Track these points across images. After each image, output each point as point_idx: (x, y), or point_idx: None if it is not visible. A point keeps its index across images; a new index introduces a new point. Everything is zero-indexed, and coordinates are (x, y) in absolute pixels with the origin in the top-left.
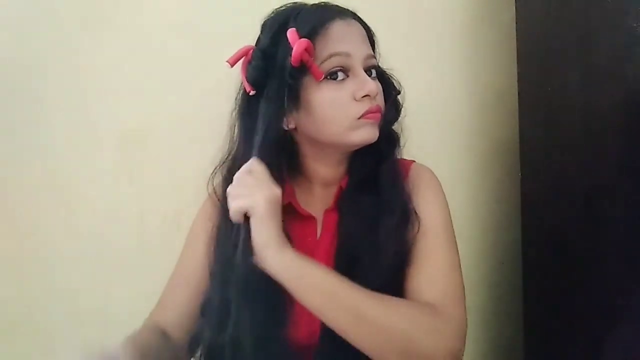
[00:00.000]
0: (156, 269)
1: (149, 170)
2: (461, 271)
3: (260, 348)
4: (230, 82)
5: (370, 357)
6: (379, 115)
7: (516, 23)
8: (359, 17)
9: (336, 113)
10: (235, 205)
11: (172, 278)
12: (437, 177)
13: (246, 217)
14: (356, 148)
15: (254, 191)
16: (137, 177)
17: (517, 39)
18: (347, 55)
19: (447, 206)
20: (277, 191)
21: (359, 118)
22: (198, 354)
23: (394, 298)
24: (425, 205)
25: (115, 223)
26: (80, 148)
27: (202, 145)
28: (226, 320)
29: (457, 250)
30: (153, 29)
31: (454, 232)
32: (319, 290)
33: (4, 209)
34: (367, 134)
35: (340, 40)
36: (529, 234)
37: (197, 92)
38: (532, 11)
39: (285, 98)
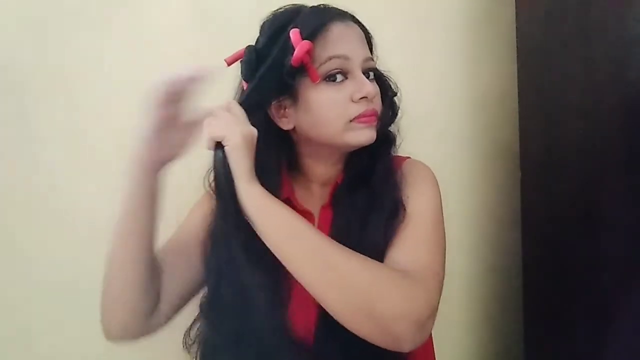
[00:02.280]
0: None
1: None
2: (444, 256)
3: (256, 344)
4: (230, 82)
5: (334, 316)
6: (374, 118)
7: (516, 23)
8: (357, 19)
9: (333, 114)
10: (211, 132)
11: (167, 242)
12: (430, 170)
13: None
14: (353, 149)
15: (231, 125)
16: None
17: (517, 39)
18: (346, 58)
19: (438, 198)
20: (253, 130)
21: (355, 120)
22: (194, 350)
23: (364, 256)
24: (414, 195)
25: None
26: (79, 148)
27: (202, 145)
28: (222, 317)
29: (444, 239)
30: (153, 29)
31: (442, 222)
32: (283, 228)
33: (1, 215)
34: (364, 135)
35: (339, 43)
36: (529, 234)
37: (198, 92)
38: (532, 11)
39: (273, 95)
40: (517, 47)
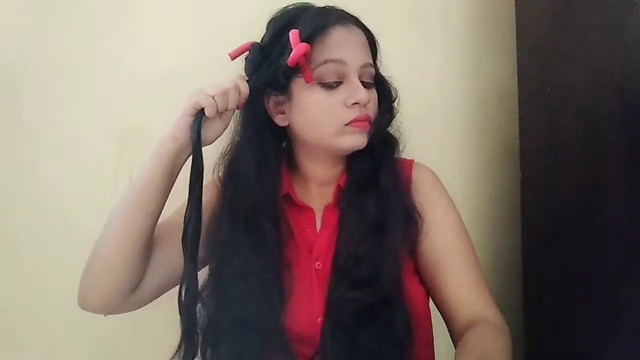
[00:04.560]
0: None
1: None
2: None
3: (255, 335)
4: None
5: None
6: (367, 124)
7: (516, 23)
8: (362, 23)
9: (325, 117)
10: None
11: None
12: (437, 176)
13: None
14: (344, 153)
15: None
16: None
17: (517, 39)
18: (342, 62)
19: (453, 202)
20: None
21: (346, 125)
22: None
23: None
24: (437, 208)
25: None
26: (79, 149)
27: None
28: (224, 301)
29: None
30: (153, 28)
31: (465, 227)
32: None
33: (1, 213)
34: (354, 140)
35: (337, 47)
36: (529, 234)
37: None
38: (532, 11)
39: (267, 88)
40: (517, 47)
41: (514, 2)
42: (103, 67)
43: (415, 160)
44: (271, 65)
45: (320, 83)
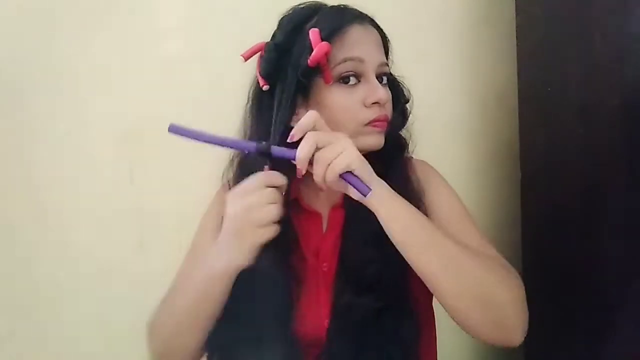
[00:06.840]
0: (156, 268)
1: (149, 170)
2: None
3: (266, 343)
4: (229, 81)
5: (448, 306)
6: (385, 124)
7: (516, 23)
8: (376, 23)
9: (344, 117)
10: (337, 169)
11: (184, 266)
12: (434, 168)
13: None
14: (361, 153)
15: (340, 144)
16: (137, 177)
17: (517, 39)
18: (361, 60)
19: (456, 192)
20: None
21: (365, 124)
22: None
23: (473, 248)
24: (440, 197)
25: (115, 223)
26: (79, 149)
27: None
28: (231, 323)
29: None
30: (153, 28)
31: (470, 216)
32: (409, 222)
33: (1, 214)
34: (373, 140)
35: (355, 45)
36: (529, 235)
37: (197, 90)
38: (532, 11)
39: (295, 94)
40: (517, 47)
41: (514, 2)
42: (101, 68)
43: (412, 157)
44: (291, 69)
45: (338, 82)
